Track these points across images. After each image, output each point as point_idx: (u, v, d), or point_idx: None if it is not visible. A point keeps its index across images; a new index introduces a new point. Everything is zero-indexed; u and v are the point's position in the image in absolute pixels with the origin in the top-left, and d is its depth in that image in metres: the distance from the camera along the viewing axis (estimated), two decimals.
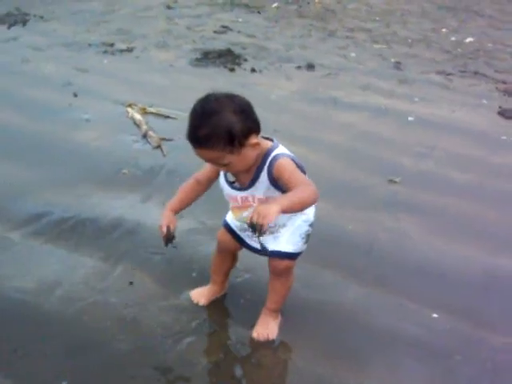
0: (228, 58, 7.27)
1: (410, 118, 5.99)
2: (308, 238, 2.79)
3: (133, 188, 4.10)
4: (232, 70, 6.98)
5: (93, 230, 3.60)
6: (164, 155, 4.65)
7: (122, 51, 7.32)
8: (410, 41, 9.36)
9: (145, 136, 4.92)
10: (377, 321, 3.06)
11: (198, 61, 7.19)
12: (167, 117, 5.39)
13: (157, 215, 3.68)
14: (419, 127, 5.78)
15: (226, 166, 2.49)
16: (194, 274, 3.24)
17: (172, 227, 2.65)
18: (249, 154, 2.47)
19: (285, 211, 2.34)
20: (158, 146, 4.75)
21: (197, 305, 3.03)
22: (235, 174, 2.62)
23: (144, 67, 6.82)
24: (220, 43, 7.93)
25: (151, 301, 3.03)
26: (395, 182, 4.54)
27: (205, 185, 2.79)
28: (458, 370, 2.81)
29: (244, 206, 2.67)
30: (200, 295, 3.06)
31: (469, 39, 9.87)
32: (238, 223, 2.79)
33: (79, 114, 5.30)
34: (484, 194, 4.51)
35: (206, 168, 2.74)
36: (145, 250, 3.42)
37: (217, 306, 3.06)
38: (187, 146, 4.63)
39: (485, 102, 6.81)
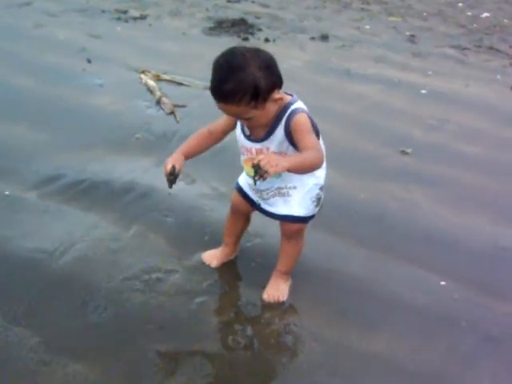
0: (241, 28, 7.26)
1: (422, 91, 5.99)
2: (319, 201, 2.81)
3: (146, 152, 4.12)
4: (245, 39, 6.96)
5: (106, 192, 3.64)
6: (177, 121, 4.67)
7: (135, 19, 7.32)
8: (425, 14, 9.30)
9: (158, 102, 4.93)
10: (385, 288, 3.10)
11: (211, 29, 7.19)
12: (180, 84, 5.40)
13: None
14: (432, 100, 5.77)
15: (248, 120, 2.50)
16: (206, 238, 3.27)
17: (178, 167, 2.63)
18: (271, 109, 2.49)
19: (291, 170, 2.42)
20: (172, 113, 4.77)
21: (209, 266, 3.07)
22: (251, 128, 2.62)
23: (157, 35, 6.82)
24: (233, 12, 7.91)
25: (164, 262, 3.07)
26: (407, 153, 4.55)
27: (218, 136, 2.78)
28: (464, 336, 2.86)
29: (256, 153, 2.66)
30: (212, 257, 3.10)
31: (485, 14, 9.79)
32: (250, 181, 2.74)
33: (93, 79, 5.32)
34: (494, 166, 4.52)
35: (222, 120, 2.74)
36: (158, 213, 3.46)
37: (228, 267, 3.10)
38: (200, 112, 4.73)
39: (499, 77, 6.80)
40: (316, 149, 2.51)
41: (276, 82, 2.47)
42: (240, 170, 2.88)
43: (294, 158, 2.44)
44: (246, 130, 2.66)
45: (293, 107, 2.55)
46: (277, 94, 2.47)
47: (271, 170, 2.27)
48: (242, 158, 2.76)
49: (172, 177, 2.62)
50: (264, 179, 2.31)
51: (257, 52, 2.48)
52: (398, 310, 2.97)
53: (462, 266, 3.33)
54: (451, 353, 2.76)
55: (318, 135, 2.61)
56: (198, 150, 2.79)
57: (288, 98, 2.58)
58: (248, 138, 2.66)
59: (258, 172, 2.28)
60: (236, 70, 2.37)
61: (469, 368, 2.69)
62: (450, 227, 3.66)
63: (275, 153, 2.56)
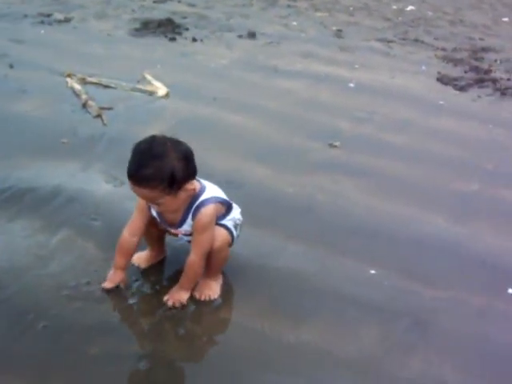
0: (168, 28, 7.22)
1: (350, 85, 6.08)
2: (239, 227, 2.98)
3: (73, 157, 4.06)
4: (172, 39, 6.93)
5: (32, 199, 3.56)
6: (104, 124, 4.61)
7: (59, 22, 7.20)
8: (351, 9, 9.44)
9: (84, 105, 4.86)
10: (316, 279, 3.13)
11: (137, 30, 7.13)
12: (107, 86, 5.34)
13: (97, 182, 3.75)
14: (359, 93, 5.87)
15: (158, 205, 2.65)
16: None
17: (123, 284, 2.86)
18: (181, 197, 2.66)
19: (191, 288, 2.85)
20: (98, 115, 4.71)
21: (138, 268, 3.04)
22: (163, 214, 2.81)
23: (82, 37, 6.72)
24: (160, 13, 7.86)
25: (92, 266, 3.02)
26: (335, 146, 4.61)
27: (141, 232, 2.89)
28: (394, 322, 2.91)
29: (175, 235, 2.96)
30: (140, 259, 3.07)
31: (410, 7, 10.01)
32: None
33: (15, 84, 5.19)
34: (421, 156, 4.63)
35: (136, 216, 2.87)
36: (86, 217, 3.40)
37: (158, 268, 3.08)
38: (127, 114, 4.68)
39: (424, 68, 6.96)
40: (200, 251, 2.79)
41: (191, 173, 2.64)
42: None
43: (188, 282, 2.84)
44: (162, 217, 2.85)
45: (201, 198, 2.75)
46: (190, 185, 2.65)
47: (181, 305, 2.80)
48: None
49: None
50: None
51: (177, 143, 2.61)
52: (329, 300, 3.01)
53: (390, 254, 3.39)
54: (382, 339, 2.80)
55: (230, 206, 2.91)
56: (131, 256, 2.93)
57: (197, 187, 2.74)
58: (164, 223, 2.87)
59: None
60: (156, 158, 2.51)
61: (400, 353, 2.73)
62: (377, 217, 3.72)
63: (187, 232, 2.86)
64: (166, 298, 2.80)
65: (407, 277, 3.21)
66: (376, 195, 3.96)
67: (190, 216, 2.76)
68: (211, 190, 2.81)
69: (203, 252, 2.79)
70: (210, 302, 2.90)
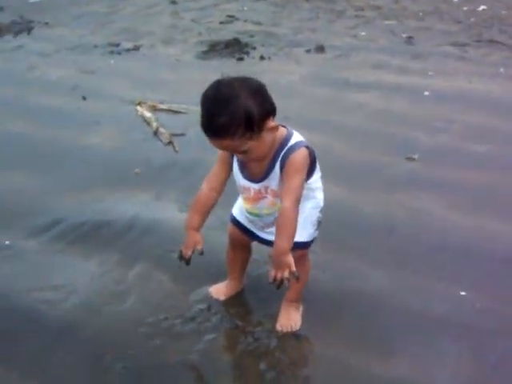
0: (235, 48, 7.20)
1: (425, 93, 5.89)
2: (319, 224, 2.71)
3: (146, 187, 4.04)
4: (240, 59, 6.90)
5: (108, 232, 3.55)
6: (176, 151, 4.59)
7: (128, 50, 7.29)
8: (421, 14, 9.22)
9: (155, 133, 4.86)
10: (403, 303, 2.97)
11: (204, 53, 7.12)
12: (177, 112, 5.33)
13: (171, 212, 3.70)
14: (435, 101, 5.68)
15: (245, 153, 2.39)
16: (212, 270, 3.16)
17: (200, 248, 2.62)
18: (267, 139, 2.39)
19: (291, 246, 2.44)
20: (170, 142, 4.70)
21: (217, 301, 2.96)
22: (247, 165, 2.55)
23: (151, 64, 6.78)
24: (227, 33, 7.86)
25: (170, 300, 2.97)
26: (413, 159, 4.44)
27: (219, 189, 2.65)
28: (488, 346, 2.73)
29: (255, 197, 2.60)
30: (219, 291, 2.99)
31: (482, 7, 9.71)
32: (247, 214, 2.71)
33: (88, 116, 5.25)
34: (504, 163, 4.42)
35: (216, 170, 2.64)
36: (161, 249, 3.35)
37: (237, 300, 2.99)
38: (199, 139, 4.62)
39: (502, 70, 6.71)
40: (292, 197, 2.43)
41: (269, 109, 2.36)
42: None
43: (286, 243, 2.42)
44: (245, 170, 2.57)
45: (290, 144, 2.47)
46: (271, 122, 2.37)
47: (291, 272, 2.40)
48: (241, 196, 2.69)
49: (187, 261, 2.65)
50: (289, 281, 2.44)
51: (244, 80, 2.36)
52: (417, 325, 2.86)
53: (479, 273, 3.21)
54: (477, 366, 2.62)
55: (314, 164, 2.57)
56: (206, 214, 2.69)
57: (283, 132, 2.49)
58: (246, 177, 2.58)
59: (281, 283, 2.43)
60: (226, 102, 2.26)
61: (498, 379, 2.58)
62: (464, 233, 3.53)
63: (273, 192, 2.55)
64: (271, 277, 2.43)
65: (500, 298, 3.02)
66: (460, 210, 3.76)
67: (278, 164, 2.47)
68: (299, 136, 2.53)
69: (296, 198, 2.44)
70: (293, 333, 2.78)
